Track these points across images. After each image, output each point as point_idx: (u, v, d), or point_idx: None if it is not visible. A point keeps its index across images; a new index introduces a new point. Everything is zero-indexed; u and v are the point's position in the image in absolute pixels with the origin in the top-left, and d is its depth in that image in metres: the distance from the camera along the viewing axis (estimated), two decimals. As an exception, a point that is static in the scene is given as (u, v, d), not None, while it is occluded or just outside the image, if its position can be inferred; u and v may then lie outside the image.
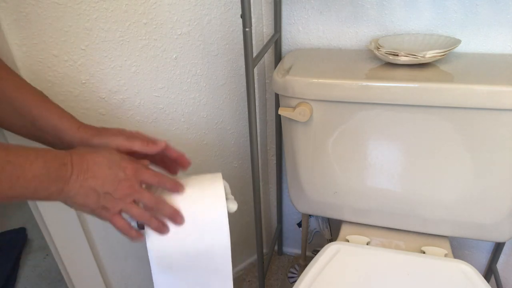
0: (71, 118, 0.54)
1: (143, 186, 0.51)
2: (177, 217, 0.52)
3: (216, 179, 0.57)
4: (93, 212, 0.48)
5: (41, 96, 0.53)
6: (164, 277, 0.57)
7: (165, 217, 0.52)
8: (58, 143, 0.54)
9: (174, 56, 0.78)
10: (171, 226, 0.53)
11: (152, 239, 0.53)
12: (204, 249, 0.55)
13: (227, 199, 0.56)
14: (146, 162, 0.55)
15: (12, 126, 0.53)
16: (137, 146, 0.53)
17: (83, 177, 0.45)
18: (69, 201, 0.46)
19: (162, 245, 0.53)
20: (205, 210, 0.54)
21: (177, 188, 0.53)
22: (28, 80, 0.54)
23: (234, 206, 0.57)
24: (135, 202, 0.50)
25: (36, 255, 1.41)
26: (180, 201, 0.53)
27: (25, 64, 0.62)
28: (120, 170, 0.48)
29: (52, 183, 0.43)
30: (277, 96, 0.99)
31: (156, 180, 0.51)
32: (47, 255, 1.41)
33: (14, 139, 0.63)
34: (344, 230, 0.90)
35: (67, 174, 0.44)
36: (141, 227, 0.54)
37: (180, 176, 0.59)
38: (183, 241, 0.54)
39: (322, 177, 0.84)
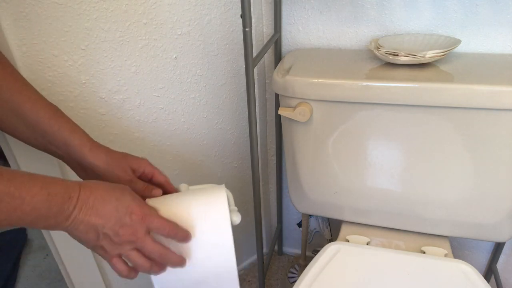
0: (83, 135, 0.53)
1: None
2: (182, 263, 0.51)
3: (219, 197, 0.55)
4: (93, 249, 0.47)
5: (54, 111, 0.53)
6: None
7: (169, 266, 0.51)
8: (68, 158, 0.54)
9: (174, 56, 0.78)
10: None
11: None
12: (210, 273, 0.54)
13: (230, 211, 0.55)
14: (158, 191, 0.55)
15: (23, 137, 0.53)
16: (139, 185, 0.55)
17: (85, 213, 0.43)
18: (69, 233, 0.45)
19: (167, 274, 0.52)
20: (210, 234, 0.53)
21: (188, 239, 0.51)
22: (28, 80, 0.54)
23: (237, 219, 0.55)
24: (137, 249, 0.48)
25: (36, 255, 1.41)
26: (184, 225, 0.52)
27: (25, 64, 0.62)
28: (127, 214, 0.46)
29: (51, 217, 0.41)
30: (277, 96, 0.99)
31: (166, 231, 0.48)
32: (47, 255, 1.41)
33: (16, 145, 0.63)
34: (344, 230, 0.90)
35: (69, 208, 0.42)
36: None
37: (182, 192, 0.58)
38: (188, 268, 0.52)
39: (322, 177, 0.84)
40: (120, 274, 0.48)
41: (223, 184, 0.58)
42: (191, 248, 0.52)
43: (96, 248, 0.46)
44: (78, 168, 0.55)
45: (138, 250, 0.48)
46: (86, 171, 0.55)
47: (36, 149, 0.54)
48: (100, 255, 0.47)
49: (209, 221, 0.52)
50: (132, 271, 0.49)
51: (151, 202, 0.53)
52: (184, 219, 0.52)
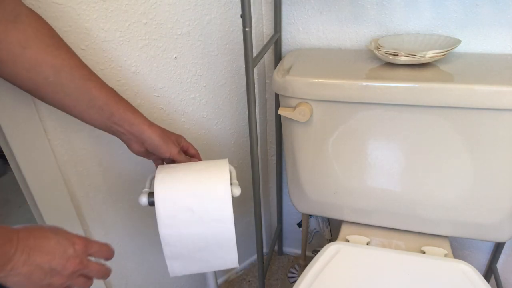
0: (141, 114, 0.63)
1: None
2: (109, 273, 0.55)
3: (222, 165, 0.63)
4: None
5: (117, 95, 0.60)
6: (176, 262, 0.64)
7: (104, 278, 0.54)
8: (128, 135, 0.62)
9: (174, 56, 0.78)
10: (182, 210, 0.60)
11: (163, 226, 0.60)
12: (210, 230, 0.61)
13: (231, 184, 0.62)
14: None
15: (89, 119, 0.59)
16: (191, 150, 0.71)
17: (27, 254, 0.43)
18: (10, 281, 0.43)
19: (173, 234, 0.61)
20: (212, 196, 0.60)
21: (112, 257, 0.56)
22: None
23: (237, 191, 0.62)
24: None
25: (36, 255, 1.41)
26: (191, 191, 0.61)
27: (25, 64, 0.62)
28: (70, 245, 0.47)
29: None
30: (277, 96, 0.99)
31: (104, 254, 0.53)
32: (47, 255, 1.40)
33: (16, 145, 0.63)
34: (344, 230, 0.91)
35: (10, 250, 0.42)
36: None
37: (191, 163, 0.67)
38: (191, 225, 0.61)
39: (322, 177, 0.84)
40: None
41: (227, 159, 0.66)
42: (195, 218, 0.60)
43: None
44: (136, 142, 0.63)
45: (83, 274, 0.50)
46: (143, 145, 0.64)
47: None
48: None
49: (213, 194, 0.60)
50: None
51: (162, 168, 0.63)
52: (189, 192, 0.60)
